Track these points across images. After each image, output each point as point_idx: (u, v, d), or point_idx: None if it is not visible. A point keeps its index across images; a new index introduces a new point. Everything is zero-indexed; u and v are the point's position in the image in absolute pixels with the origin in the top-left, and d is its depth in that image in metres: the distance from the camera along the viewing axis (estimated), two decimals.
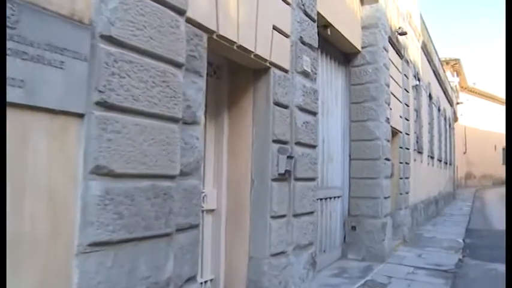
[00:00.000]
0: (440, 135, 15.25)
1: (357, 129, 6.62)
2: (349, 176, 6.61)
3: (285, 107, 3.56)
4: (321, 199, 5.76)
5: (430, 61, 13.02)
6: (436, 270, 5.66)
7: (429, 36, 12.81)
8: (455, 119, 23.91)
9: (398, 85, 8.11)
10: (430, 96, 12.40)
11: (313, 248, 3.84)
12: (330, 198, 6.12)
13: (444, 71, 17.77)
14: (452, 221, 11.50)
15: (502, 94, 37.62)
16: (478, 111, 35.75)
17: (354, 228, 6.44)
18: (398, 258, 6.45)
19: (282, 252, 3.40)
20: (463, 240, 8.23)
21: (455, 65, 29.25)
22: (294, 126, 3.63)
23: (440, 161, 14.75)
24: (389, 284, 5.03)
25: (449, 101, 19.23)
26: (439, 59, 15.73)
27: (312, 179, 3.88)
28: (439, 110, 14.96)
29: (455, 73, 29.54)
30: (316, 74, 4.16)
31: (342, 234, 6.49)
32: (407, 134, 8.51)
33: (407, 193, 8.39)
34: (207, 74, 2.68)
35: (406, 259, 6.39)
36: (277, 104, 3.45)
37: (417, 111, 10.17)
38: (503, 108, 37.85)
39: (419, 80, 10.10)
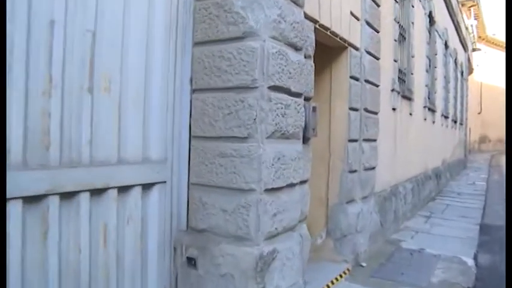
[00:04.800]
0: (448, 81, 10.99)
1: (207, 17, 2.56)
2: (189, 134, 2.63)
3: None
4: (61, 195, 1.85)
5: None
6: None
7: None
8: (470, 70, 19.39)
9: None
10: (430, 17, 8.10)
11: None
12: (106, 190, 2.18)
13: None
14: (458, 207, 7.50)
15: None
16: (497, 66, 30.84)
17: (192, 262, 2.53)
18: None
19: None
20: (475, 261, 4.27)
21: (472, 6, 24.31)
22: None
23: (446, 117, 10.58)
24: None
25: (462, 43, 14.76)
26: None
27: None
28: (446, 45, 10.63)
29: (472, 17, 24.64)
30: None
31: (165, 277, 2.60)
32: (374, 57, 4.40)
33: (370, 170, 4.40)
34: None
35: None
36: None
37: (401, 25, 5.96)
38: None
39: None
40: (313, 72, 3.01)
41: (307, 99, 2.90)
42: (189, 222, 2.63)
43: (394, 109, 5.50)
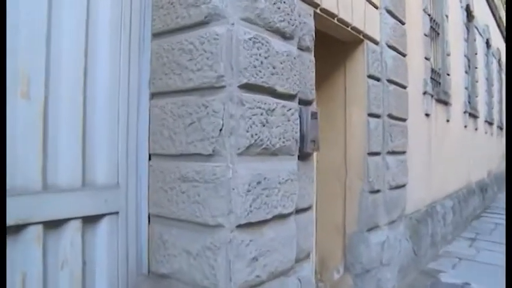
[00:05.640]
0: (491, 84, 9.94)
1: (165, 0, 2.00)
2: (147, 151, 2.05)
3: None
4: None
5: None
6: None
7: None
8: None
9: None
10: (467, 11, 7.22)
11: None
12: (26, 226, 1.62)
13: None
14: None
15: None
16: None
17: None
18: None
19: None
20: None
21: None
22: None
23: (490, 124, 9.52)
24: None
25: (504, 38, 13.52)
26: None
27: None
28: (488, 44, 9.62)
29: None
30: None
31: None
32: (399, 53, 3.69)
33: (398, 188, 3.65)
34: None
35: None
36: None
37: (432, 18, 5.20)
38: None
39: None
40: (313, 69, 2.37)
41: (305, 102, 2.26)
42: (150, 264, 2.04)
43: (427, 115, 4.72)
